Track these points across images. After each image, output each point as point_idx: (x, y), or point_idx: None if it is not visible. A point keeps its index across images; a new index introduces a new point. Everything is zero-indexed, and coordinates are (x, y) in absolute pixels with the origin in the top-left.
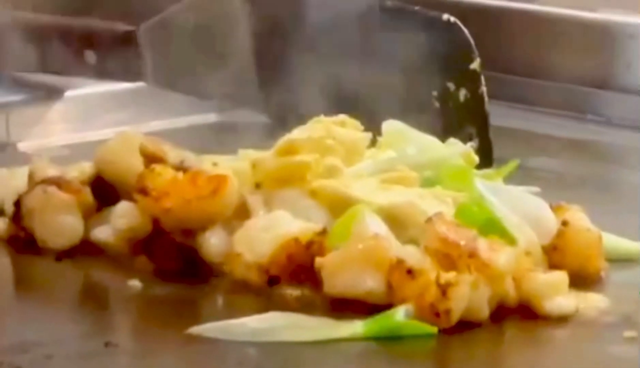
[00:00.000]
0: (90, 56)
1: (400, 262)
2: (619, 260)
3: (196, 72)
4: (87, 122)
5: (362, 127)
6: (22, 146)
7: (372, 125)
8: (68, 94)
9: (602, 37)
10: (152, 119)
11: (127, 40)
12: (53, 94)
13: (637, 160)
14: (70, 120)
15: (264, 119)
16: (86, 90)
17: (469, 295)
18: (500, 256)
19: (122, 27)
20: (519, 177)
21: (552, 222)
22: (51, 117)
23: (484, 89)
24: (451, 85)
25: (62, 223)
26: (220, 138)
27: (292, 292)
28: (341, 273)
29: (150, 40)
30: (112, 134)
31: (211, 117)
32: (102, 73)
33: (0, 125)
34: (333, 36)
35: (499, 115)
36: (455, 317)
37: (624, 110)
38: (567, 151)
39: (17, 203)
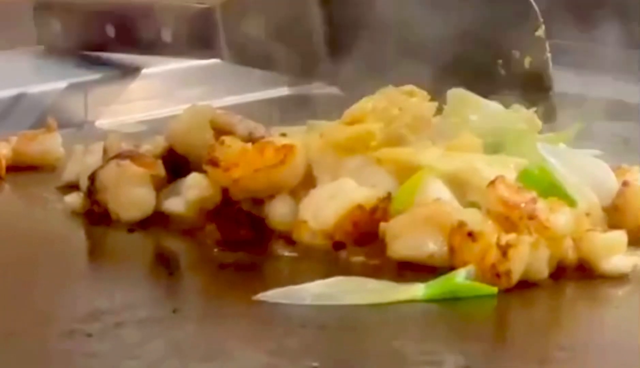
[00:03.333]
0: (167, 34)
1: (461, 225)
2: None
3: (270, 47)
4: (164, 98)
5: (428, 97)
6: (100, 124)
7: (439, 94)
8: (145, 71)
9: None
10: (226, 94)
11: (203, 18)
12: (130, 72)
13: None
14: (147, 97)
15: (336, 91)
16: (163, 67)
17: (528, 256)
18: (560, 217)
19: (198, 4)
20: (583, 140)
21: (612, 183)
22: (128, 94)
23: (548, 55)
24: (516, 53)
25: (135, 196)
26: (293, 111)
27: (356, 257)
28: (404, 237)
29: (225, 17)
30: None
31: (284, 91)
32: (178, 50)
33: (79, 104)
34: (401, 7)
35: (565, 82)
36: (515, 277)
37: None
38: (631, 115)
39: (92, 178)
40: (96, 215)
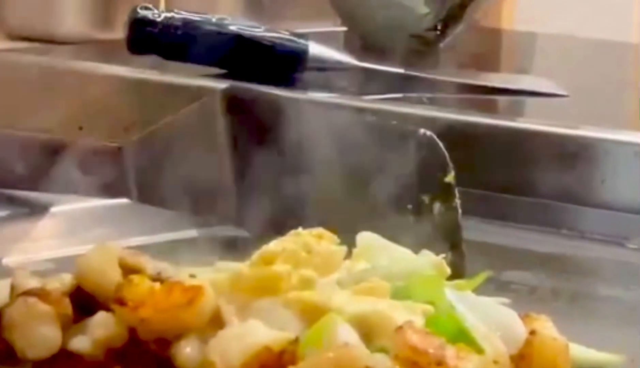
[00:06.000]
0: (76, 172)
1: None
2: None
3: (179, 188)
4: (72, 237)
5: (338, 240)
6: (7, 261)
7: (349, 238)
8: (53, 209)
9: (576, 152)
10: (134, 234)
11: (112, 157)
12: (38, 209)
13: (609, 274)
14: (55, 235)
15: (244, 234)
16: (71, 206)
17: None
18: (468, 364)
19: (107, 143)
20: (491, 289)
21: (520, 331)
22: (36, 232)
23: (457, 201)
24: (425, 198)
25: (41, 334)
26: (202, 252)
27: None
28: None
29: (135, 157)
30: None
31: (192, 233)
32: (87, 189)
33: None
34: (312, 150)
35: (473, 230)
36: None
37: (598, 225)
38: (540, 265)
39: None
40: (2, 354)
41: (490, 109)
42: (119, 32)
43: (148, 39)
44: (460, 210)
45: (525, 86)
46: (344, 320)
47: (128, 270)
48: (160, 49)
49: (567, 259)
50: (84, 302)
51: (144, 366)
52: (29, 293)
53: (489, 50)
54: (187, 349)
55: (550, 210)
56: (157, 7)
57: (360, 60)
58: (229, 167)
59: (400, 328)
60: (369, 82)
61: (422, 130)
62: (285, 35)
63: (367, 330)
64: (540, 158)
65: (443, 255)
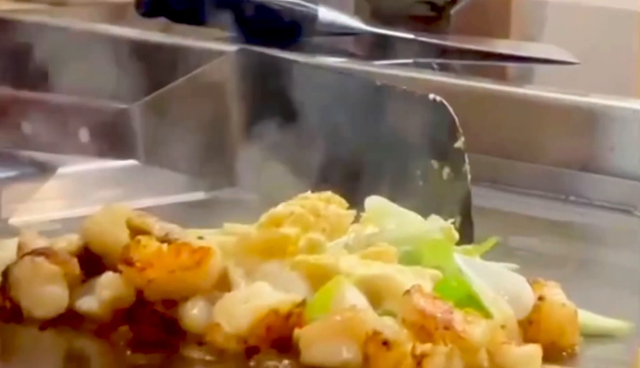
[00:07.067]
0: (84, 134)
1: (376, 334)
2: (594, 336)
3: (187, 150)
4: (79, 198)
5: (346, 204)
6: (14, 221)
7: (357, 202)
8: (60, 170)
9: (586, 119)
10: (142, 196)
11: (121, 118)
12: (45, 170)
13: (616, 241)
14: (63, 196)
15: (253, 196)
16: (79, 167)
17: (443, 366)
18: (475, 328)
19: (115, 104)
20: (499, 255)
21: (528, 296)
22: (43, 193)
23: (467, 167)
24: (435, 163)
25: (47, 293)
26: (209, 215)
27: (270, 362)
28: (318, 343)
29: (143, 118)
30: None
31: (200, 195)
32: (95, 150)
33: None
34: (322, 115)
35: (482, 196)
36: None
37: (606, 193)
38: (548, 231)
39: (5, 274)
40: (8, 312)
41: (500, 75)
42: None
43: (157, 1)
44: (469, 176)
45: (535, 53)
46: (352, 284)
47: (135, 231)
48: (169, 11)
49: (574, 226)
50: (91, 263)
51: (151, 327)
52: (35, 252)
53: (500, 17)
54: (193, 311)
55: (559, 177)
56: None
57: (370, 25)
58: (238, 129)
59: (408, 292)
60: (379, 47)
61: (432, 96)
62: None
63: (375, 294)
64: (549, 125)
65: (452, 220)
